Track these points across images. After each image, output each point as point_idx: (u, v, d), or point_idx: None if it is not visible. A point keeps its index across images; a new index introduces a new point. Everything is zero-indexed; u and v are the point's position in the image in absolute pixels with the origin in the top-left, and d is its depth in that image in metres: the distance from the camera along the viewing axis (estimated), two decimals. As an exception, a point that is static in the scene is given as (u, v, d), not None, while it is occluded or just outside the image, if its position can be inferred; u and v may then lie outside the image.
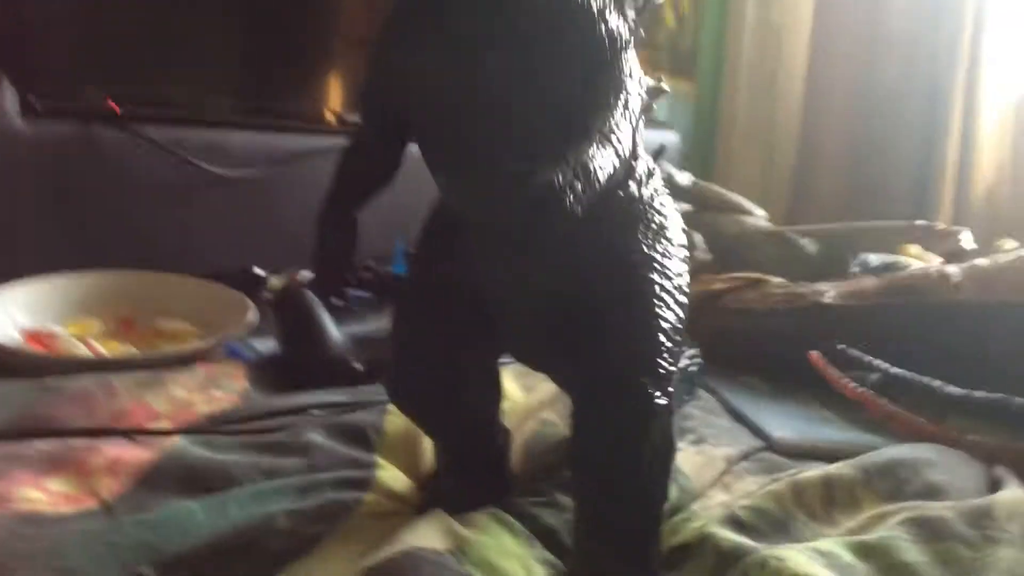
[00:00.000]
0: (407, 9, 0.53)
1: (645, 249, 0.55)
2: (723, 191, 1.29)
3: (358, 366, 0.93)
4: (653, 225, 0.56)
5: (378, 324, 1.08)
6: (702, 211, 1.26)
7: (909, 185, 1.71)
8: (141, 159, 1.16)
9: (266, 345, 0.98)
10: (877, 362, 0.86)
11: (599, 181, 0.47)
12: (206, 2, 1.31)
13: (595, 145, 0.48)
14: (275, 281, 1.16)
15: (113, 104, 1.15)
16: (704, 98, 2.04)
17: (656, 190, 0.58)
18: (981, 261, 0.93)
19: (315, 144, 1.31)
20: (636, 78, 0.52)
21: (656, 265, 0.55)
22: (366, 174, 0.60)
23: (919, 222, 1.17)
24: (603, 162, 0.48)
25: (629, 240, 0.55)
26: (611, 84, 0.50)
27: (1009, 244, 1.12)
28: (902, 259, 1.06)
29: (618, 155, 0.49)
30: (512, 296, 0.57)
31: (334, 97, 1.48)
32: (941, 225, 1.11)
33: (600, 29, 0.49)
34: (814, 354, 0.89)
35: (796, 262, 1.08)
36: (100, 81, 1.17)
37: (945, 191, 1.66)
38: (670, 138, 1.79)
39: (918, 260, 1.09)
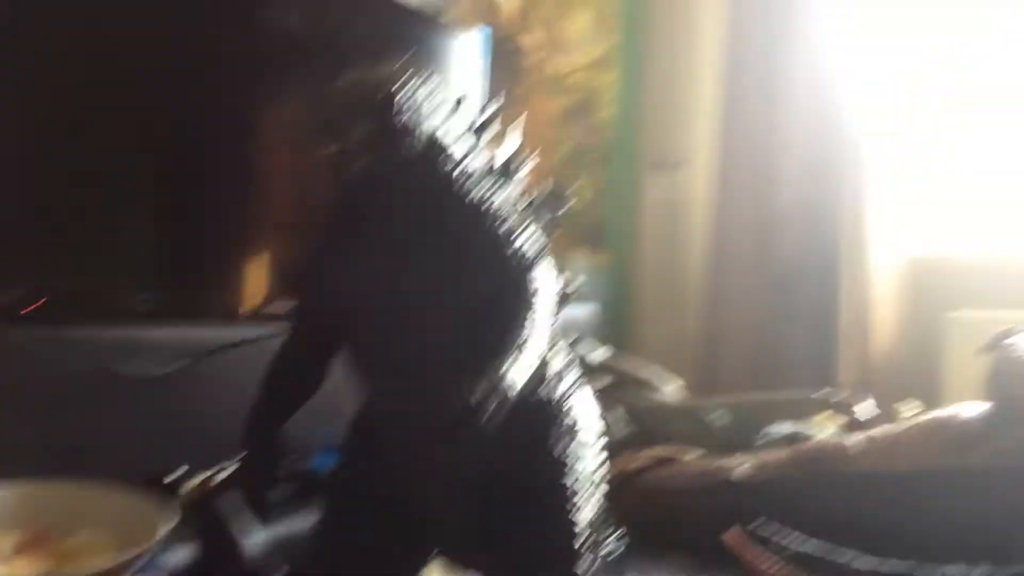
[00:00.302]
0: (336, 232, 0.57)
1: (555, 453, 0.58)
2: (636, 367, 1.34)
3: None
4: (564, 426, 0.59)
5: (297, 524, 1.06)
6: (619, 386, 1.30)
7: (811, 352, 1.79)
8: (53, 358, 1.15)
9: (181, 555, 0.95)
10: (788, 539, 0.88)
11: (511, 397, 0.50)
12: (116, 198, 1.33)
13: (508, 360, 0.51)
14: (191, 485, 1.14)
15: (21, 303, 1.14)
16: (616, 270, 2.14)
17: (569, 386, 0.61)
18: (879, 430, 0.98)
19: (235, 336, 1.32)
20: (550, 279, 0.57)
21: (566, 468, 0.58)
22: (292, 388, 0.63)
23: (824, 391, 1.22)
24: (515, 377, 0.51)
25: (539, 445, 0.58)
26: (520, 301, 0.54)
27: (908, 409, 1.17)
28: (804, 430, 1.10)
29: (530, 366, 0.53)
30: (436, 491, 0.59)
31: (253, 287, 1.50)
32: (843, 394, 1.17)
33: (505, 252, 0.53)
34: (731, 534, 0.91)
35: (706, 436, 1.11)
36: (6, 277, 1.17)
37: (846, 357, 1.75)
38: (588, 310, 1.86)
39: (826, 428, 1.13)
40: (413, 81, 0.56)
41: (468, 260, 0.54)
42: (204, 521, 0.95)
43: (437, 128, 0.56)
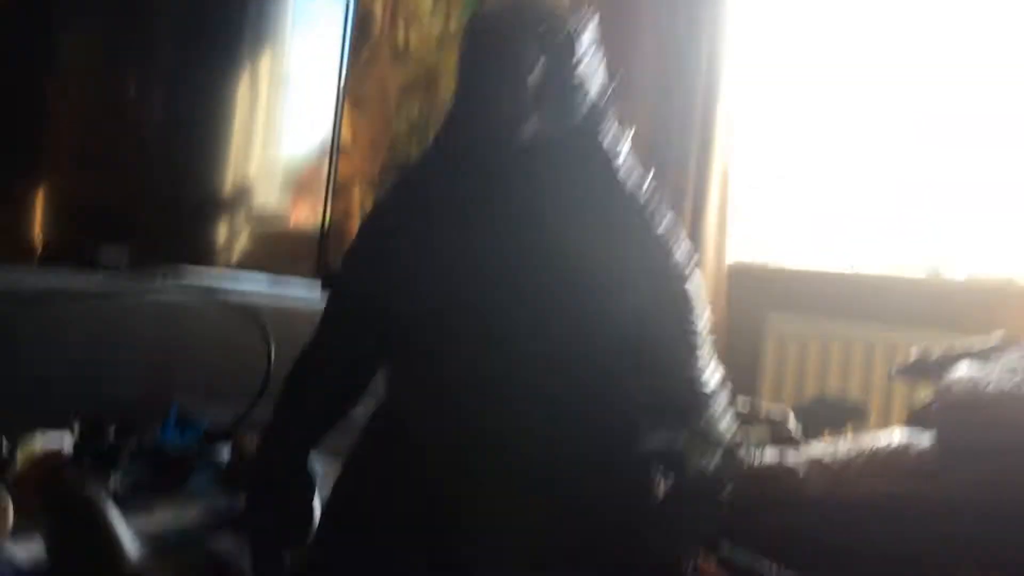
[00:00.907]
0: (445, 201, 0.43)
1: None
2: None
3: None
4: None
5: (171, 517, 0.88)
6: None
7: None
8: None
9: (29, 552, 0.74)
10: (759, 565, 0.84)
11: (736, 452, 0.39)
12: None
13: (712, 399, 0.40)
14: (21, 458, 0.91)
15: None
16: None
17: None
18: (820, 453, 0.96)
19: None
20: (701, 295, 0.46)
21: None
22: (324, 408, 0.47)
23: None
24: (728, 421, 0.40)
25: None
26: (692, 321, 0.43)
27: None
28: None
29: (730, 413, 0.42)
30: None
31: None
32: (764, 407, 1.15)
33: (670, 256, 0.43)
34: (708, 566, 0.85)
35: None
36: None
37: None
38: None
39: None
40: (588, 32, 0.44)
41: (636, 263, 0.42)
42: (64, 517, 0.75)
43: (594, 94, 0.44)
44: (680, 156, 2.21)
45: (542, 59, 0.41)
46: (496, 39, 0.40)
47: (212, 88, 1.46)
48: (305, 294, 1.48)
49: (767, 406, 1.13)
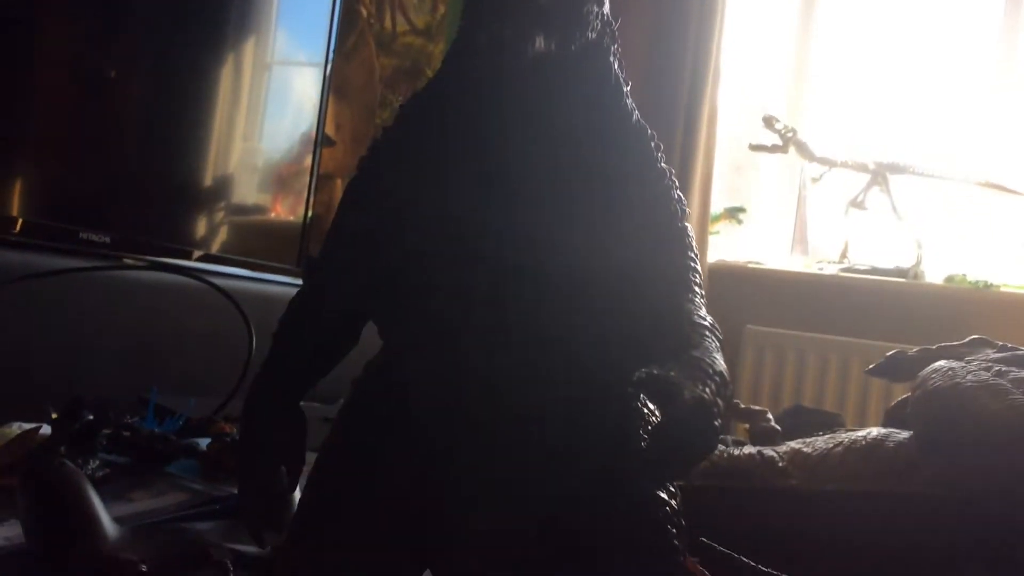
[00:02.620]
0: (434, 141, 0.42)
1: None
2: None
3: (142, 567, 0.73)
4: None
5: (150, 502, 0.87)
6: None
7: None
8: None
9: (9, 532, 0.74)
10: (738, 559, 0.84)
11: (729, 387, 0.39)
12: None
13: (708, 337, 0.40)
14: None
15: None
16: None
17: None
18: (800, 444, 0.97)
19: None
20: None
21: None
22: (319, 347, 0.47)
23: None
24: (722, 360, 0.40)
25: None
26: (692, 258, 0.43)
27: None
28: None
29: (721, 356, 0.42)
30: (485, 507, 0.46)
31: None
32: (742, 405, 1.16)
33: (672, 195, 0.43)
34: (690, 561, 0.85)
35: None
36: None
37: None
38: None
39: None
40: None
41: (642, 197, 0.42)
42: (39, 493, 0.74)
43: (608, 11, 0.43)
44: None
45: None
46: None
47: (195, 75, 1.45)
48: (287, 284, 1.48)
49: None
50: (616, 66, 0.44)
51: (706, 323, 0.41)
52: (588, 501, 0.42)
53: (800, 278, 2.39)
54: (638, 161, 0.43)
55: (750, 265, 2.44)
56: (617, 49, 0.44)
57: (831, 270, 2.39)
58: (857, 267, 2.38)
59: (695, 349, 0.39)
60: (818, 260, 2.48)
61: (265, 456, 0.46)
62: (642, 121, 0.44)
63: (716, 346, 0.40)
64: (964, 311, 2.10)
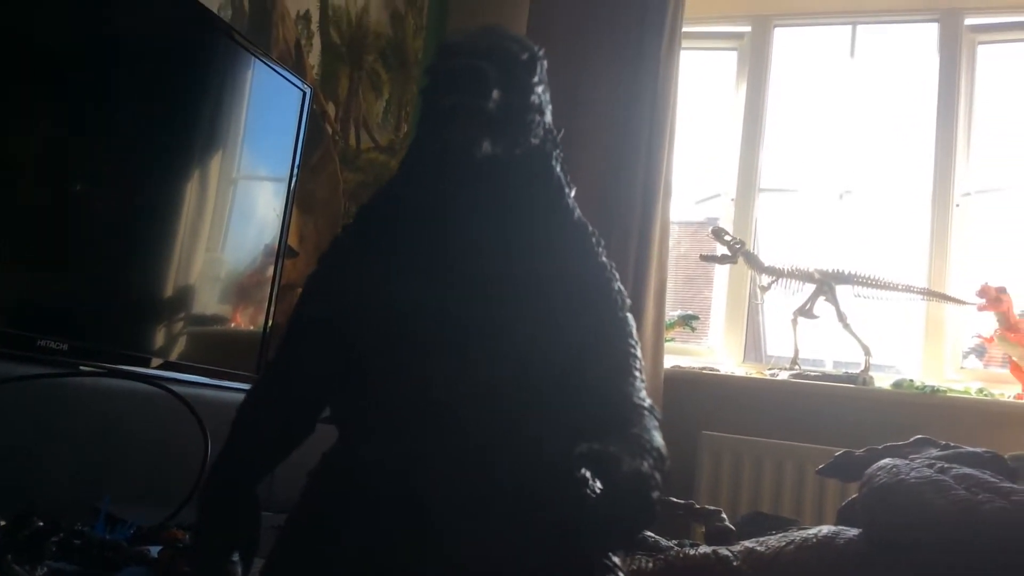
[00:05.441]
0: (386, 232, 0.46)
1: None
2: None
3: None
4: None
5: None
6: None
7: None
8: None
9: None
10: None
11: (666, 462, 0.42)
12: None
13: (647, 417, 0.43)
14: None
15: None
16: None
17: None
18: (753, 543, 0.98)
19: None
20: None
21: None
22: (277, 434, 0.48)
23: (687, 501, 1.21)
24: (660, 438, 0.43)
25: None
26: (632, 344, 0.46)
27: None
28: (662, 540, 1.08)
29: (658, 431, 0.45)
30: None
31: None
32: (697, 505, 1.17)
33: (614, 285, 0.46)
34: None
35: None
36: None
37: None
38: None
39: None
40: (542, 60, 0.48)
41: (583, 287, 0.45)
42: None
43: (550, 121, 0.48)
44: (617, 268, 2.28)
45: (503, 79, 0.44)
46: (458, 61, 0.42)
47: (161, 189, 1.48)
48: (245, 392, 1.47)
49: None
50: (558, 169, 0.48)
51: (645, 404, 0.44)
52: (541, 571, 0.44)
53: (754, 384, 2.44)
54: (579, 255, 0.47)
55: (705, 371, 2.48)
56: (559, 154, 0.49)
57: (783, 376, 2.44)
58: (808, 373, 2.43)
59: (634, 427, 0.41)
60: (770, 367, 2.54)
61: (220, 541, 0.47)
62: (583, 219, 0.48)
63: (655, 425, 0.43)
64: (913, 416, 2.15)
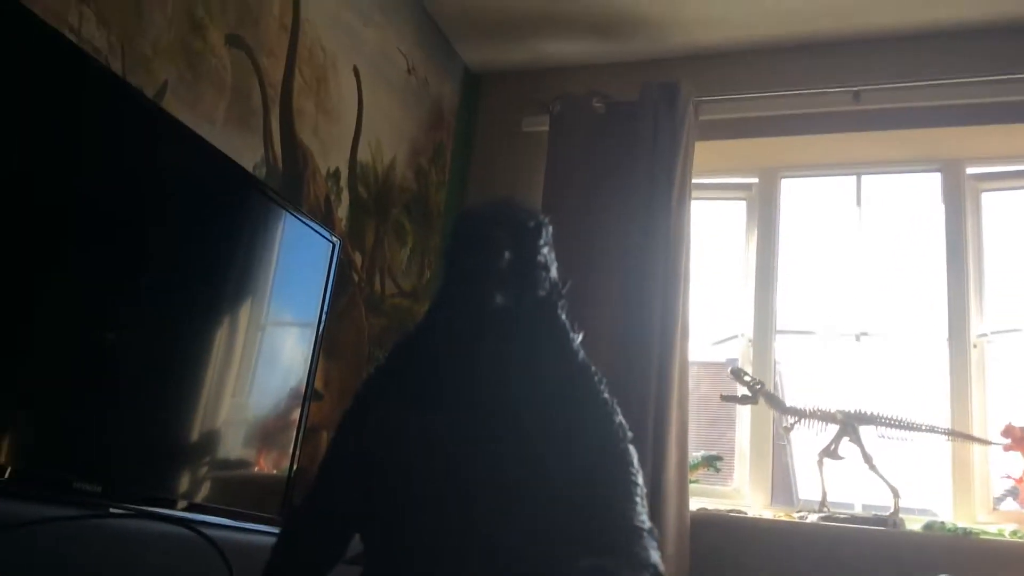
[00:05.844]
0: (407, 375, 0.51)
1: None
2: None
3: None
4: None
5: None
6: None
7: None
8: None
9: None
10: None
11: None
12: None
13: (646, 537, 0.46)
14: None
15: None
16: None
17: None
18: None
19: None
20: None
21: None
22: (317, 554, 0.52)
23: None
24: (657, 555, 0.46)
25: None
26: (633, 473, 0.50)
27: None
28: None
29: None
30: None
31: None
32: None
33: (615, 418, 0.50)
34: None
35: None
36: None
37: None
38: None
39: None
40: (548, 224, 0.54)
41: (585, 420, 0.50)
42: None
43: (556, 276, 0.54)
44: (638, 408, 2.30)
45: (513, 243, 0.51)
46: (475, 228, 0.49)
47: (191, 337, 1.55)
48: (270, 534, 1.49)
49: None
50: (563, 317, 0.55)
51: (645, 526, 0.47)
52: None
53: (782, 527, 2.40)
54: (582, 393, 0.52)
55: (732, 514, 2.45)
56: (564, 304, 0.55)
57: (812, 518, 2.40)
58: (838, 515, 2.39)
59: (634, 545, 0.45)
60: (798, 510, 2.50)
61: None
62: (587, 360, 0.54)
63: (654, 544, 0.46)
64: (945, 558, 2.10)
